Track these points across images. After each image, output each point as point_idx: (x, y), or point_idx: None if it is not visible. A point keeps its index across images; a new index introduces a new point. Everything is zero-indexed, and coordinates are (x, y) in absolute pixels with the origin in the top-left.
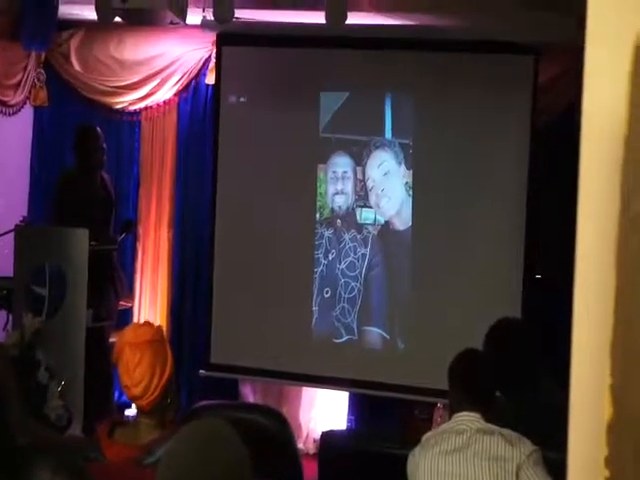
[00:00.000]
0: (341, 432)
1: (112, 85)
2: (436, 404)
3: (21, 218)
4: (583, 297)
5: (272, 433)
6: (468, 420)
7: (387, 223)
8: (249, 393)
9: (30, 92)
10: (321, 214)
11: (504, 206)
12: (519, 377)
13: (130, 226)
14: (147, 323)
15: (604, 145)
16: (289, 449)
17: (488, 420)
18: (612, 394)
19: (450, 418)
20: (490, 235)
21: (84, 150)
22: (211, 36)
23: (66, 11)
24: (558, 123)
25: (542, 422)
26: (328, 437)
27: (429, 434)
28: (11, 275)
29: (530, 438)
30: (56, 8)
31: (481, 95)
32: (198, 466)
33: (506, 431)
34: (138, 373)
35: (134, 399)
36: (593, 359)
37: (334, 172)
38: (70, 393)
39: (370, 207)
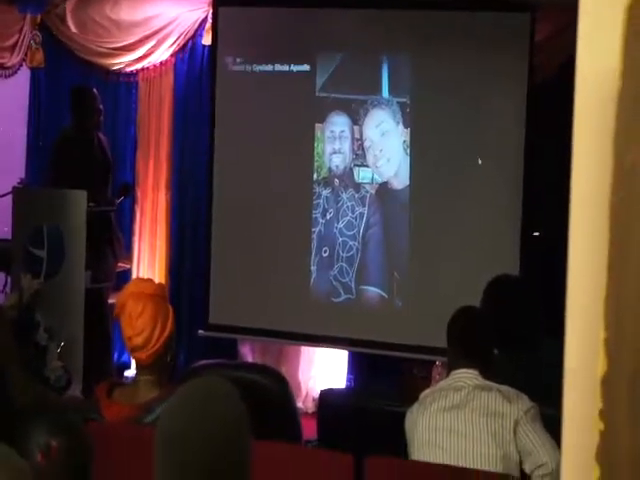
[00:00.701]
0: (339, 390)
1: (108, 46)
2: (435, 362)
3: (19, 180)
4: (577, 252)
5: (271, 392)
6: (466, 377)
7: (385, 182)
8: (248, 353)
9: (26, 54)
10: (318, 174)
11: (502, 164)
12: (517, 334)
13: (128, 189)
14: (150, 279)
15: (597, 100)
16: (288, 408)
17: (486, 377)
18: (606, 348)
19: (448, 375)
20: (488, 193)
21: (80, 111)
22: None
23: None
24: (555, 81)
25: (540, 379)
26: (326, 395)
27: (427, 391)
28: (9, 237)
29: (528, 395)
30: None
31: (478, 53)
32: (196, 422)
33: (504, 388)
34: (140, 323)
35: (135, 350)
36: (587, 314)
37: (331, 131)
38: (69, 354)
39: (368, 166)
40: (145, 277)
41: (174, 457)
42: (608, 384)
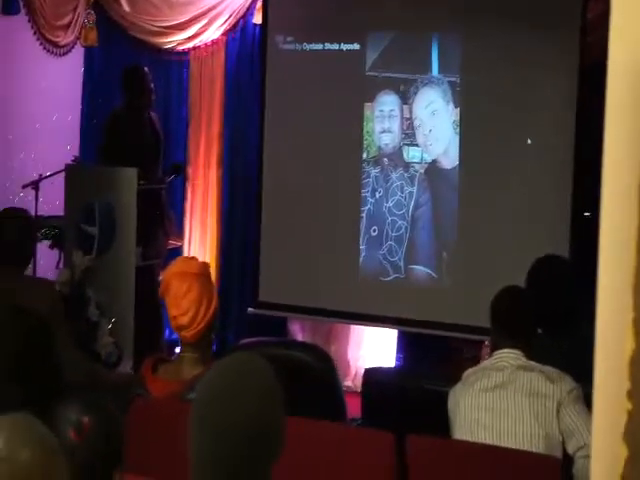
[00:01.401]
0: (385, 369)
1: (160, 25)
2: (483, 342)
3: (72, 158)
4: (607, 235)
5: (313, 369)
6: (509, 357)
7: (434, 161)
8: (297, 331)
9: (80, 33)
10: (368, 153)
11: (552, 143)
12: (560, 314)
13: (178, 169)
14: (194, 258)
15: (630, 91)
16: (331, 385)
17: (529, 357)
18: (635, 328)
19: (491, 355)
20: (538, 173)
21: (132, 90)
22: None
23: None
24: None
25: (584, 359)
26: (371, 374)
27: (470, 371)
28: (62, 214)
29: (572, 375)
30: None
31: (528, 31)
32: (230, 397)
33: (547, 368)
34: (186, 302)
35: (180, 329)
36: (617, 295)
37: (381, 110)
38: (120, 331)
39: (417, 145)
40: (192, 255)
41: (207, 428)
42: (636, 364)
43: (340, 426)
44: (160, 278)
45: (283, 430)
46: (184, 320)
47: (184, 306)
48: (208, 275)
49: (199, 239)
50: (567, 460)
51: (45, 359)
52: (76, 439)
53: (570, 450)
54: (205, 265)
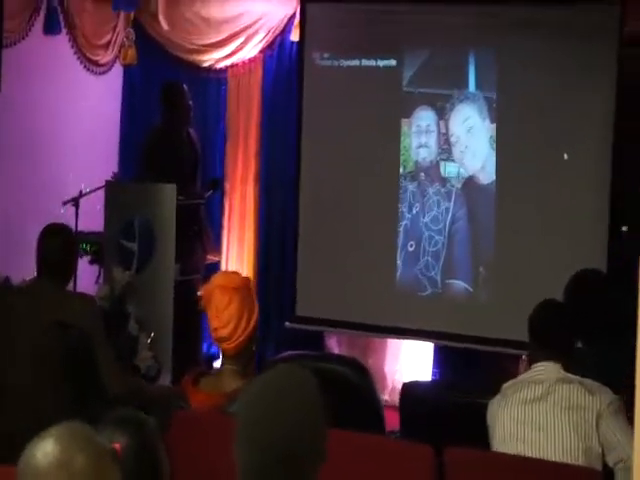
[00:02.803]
0: (423, 383)
1: (199, 43)
2: (521, 356)
3: (112, 174)
4: None
5: (351, 383)
6: (547, 370)
7: (471, 177)
8: (334, 345)
9: (119, 51)
10: (405, 167)
11: (589, 158)
12: (599, 327)
13: (216, 184)
14: (236, 272)
15: None
16: (369, 398)
17: (567, 370)
18: None
19: (530, 368)
20: (575, 187)
21: (171, 107)
22: None
23: None
24: None
25: (623, 371)
26: (409, 388)
27: (509, 383)
28: (102, 230)
29: (612, 388)
30: None
31: (565, 47)
32: (275, 412)
33: (586, 380)
34: (227, 314)
35: (221, 341)
36: None
37: (417, 126)
38: (159, 345)
39: (454, 161)
40: (232, 270)
41: (252, 443)
42: None
43: (380, 438)
44: (199, 293)
45: (325, 443)
46: (225, 332)
47: (225, 318)
48: (249, 289)
49: (236, 254)
50: (607, 472)
51: (88, 372)
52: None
53: (610, 462)
54: (246, 279)
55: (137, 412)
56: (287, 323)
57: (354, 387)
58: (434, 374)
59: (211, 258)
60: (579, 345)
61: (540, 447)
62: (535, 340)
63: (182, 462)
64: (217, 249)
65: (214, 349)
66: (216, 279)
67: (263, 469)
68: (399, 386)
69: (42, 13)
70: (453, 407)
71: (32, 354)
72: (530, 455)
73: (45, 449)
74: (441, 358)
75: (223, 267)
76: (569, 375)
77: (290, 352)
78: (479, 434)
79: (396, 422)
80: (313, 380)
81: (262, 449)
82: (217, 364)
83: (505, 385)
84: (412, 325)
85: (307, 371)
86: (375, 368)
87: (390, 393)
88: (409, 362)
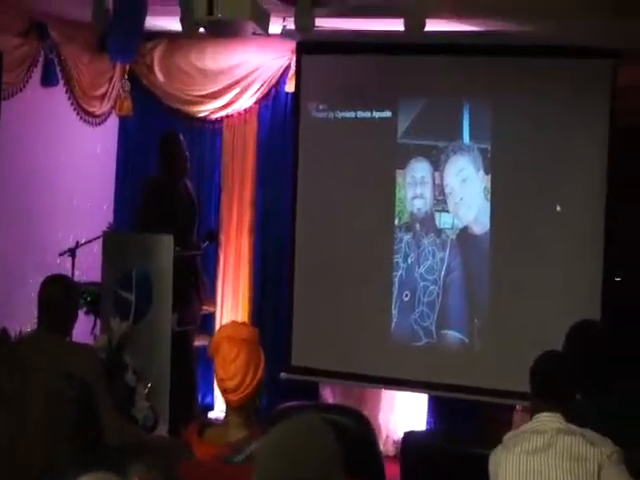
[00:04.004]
0: (423, 432)
1: (194, 94)
2: (515, 406)
3: (107, 225)
4: None
5: (353, 432)
6: (549, 420)
7: (465, 228)
8: (329, 395)
9: (115, 102)
10: (400, 218)
11: (583, 208)
12: (599, 378)
13: (213, 236)
14: (245, 323)
15: None
16: (370, 448)
17: (569, 420)
18: None
19: (531, 418)
20: (569, 238)
21: (167, 157)
22: (290, 44)
23: (150, 23)
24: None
25: (624, 423)
26: (410, 437)
27: (510, 434)
28: (99, 280)
29: (612, 439)
30: (143, 21)
31: (559, 99)
32: (297, 459)
33: (587, 431)
34: (234, 367)
35: (226, 392)
36: None
37: (412, 177)
38: (156, 395)
39: (448, 212)
40: (241, 321)
41: None
42: None
43: None
44: (195, 344)
45: None
46: (230, 384)
47: (231, 371)
48: (257, 342)
49: (231, 305)
50: None
51: (92, 422)
52: None
53: None
54: (255, 331)
55: (163, 455)
56: (282, 373)
57: (356, 437)
58: (429, 423)
59: (206, 308)
60: (578, 396)
61: None
62: (536, 390)
63: None
64: (212, 299)
65: (209, 399)
66: (225, 329)
67: None
68: (394, 436)
69: (40, 65)
70: (454, 457)
71: (46, 406)
72: None
73: None
74: (436, 408)
75: (218, 318)
76: (570, 426)
77: (290, 403)
78: None
79: (392, 472)
80: (331, 430)
81: None
82: (212, 414)
83: (507, 435)
84: (407, 375)
85: (324, 421)
86: (370, 418)
87: (385, 443)
88: (404, 412)
